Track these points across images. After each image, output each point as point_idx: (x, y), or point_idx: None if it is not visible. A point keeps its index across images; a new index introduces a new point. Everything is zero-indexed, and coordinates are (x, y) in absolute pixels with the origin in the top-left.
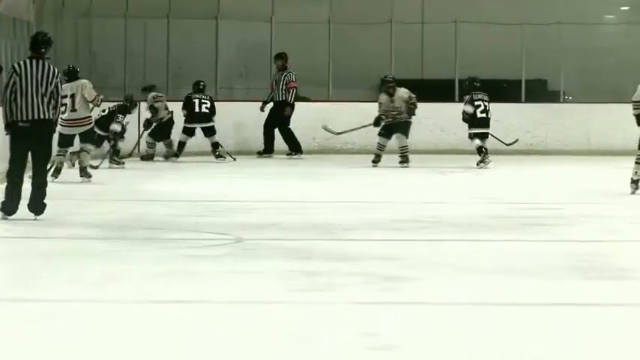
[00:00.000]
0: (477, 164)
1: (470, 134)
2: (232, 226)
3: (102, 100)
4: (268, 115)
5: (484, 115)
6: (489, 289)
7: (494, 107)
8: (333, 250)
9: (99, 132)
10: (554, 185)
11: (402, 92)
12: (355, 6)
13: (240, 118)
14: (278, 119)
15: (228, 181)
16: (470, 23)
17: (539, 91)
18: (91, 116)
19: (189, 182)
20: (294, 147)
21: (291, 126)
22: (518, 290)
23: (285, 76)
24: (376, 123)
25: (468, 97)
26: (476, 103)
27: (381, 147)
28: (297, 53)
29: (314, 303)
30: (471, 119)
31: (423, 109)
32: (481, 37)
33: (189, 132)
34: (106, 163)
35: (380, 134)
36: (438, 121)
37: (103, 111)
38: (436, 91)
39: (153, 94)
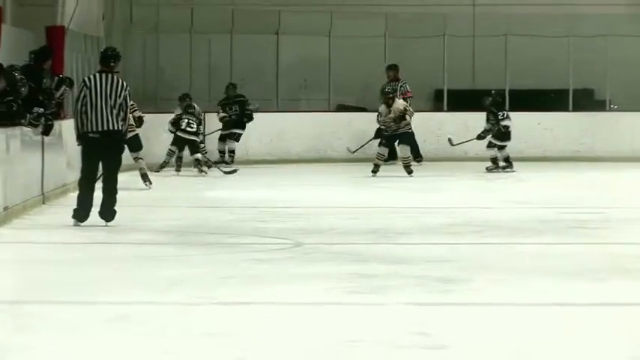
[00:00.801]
0: (490, 170)
1: (495, 144)
2: (292, 230)
3: (139, 114)
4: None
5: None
6: (538, 290)
7: (543, 116)
8: (388, 253)
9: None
10: (600, 190)
11: (399, 104)
12: (409, 20)
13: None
14: None
15: (287, 188)
16: (519, 36)
17: (586, 101)
18: (133, 124)
19: (250, 189)
20: (416, 153)
21: (346, 135)
22: (565, 291)
23: (401, 86)
24: (377, 135)
25: (505, 112)
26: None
27: (381, 156)
28: (353, 66)
29: (371, 304)
30: (504, 133)
31: (474, 117)
32: (530, 49)
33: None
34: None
35: (381, 144)
36: None
37: (192, 118)
38: None
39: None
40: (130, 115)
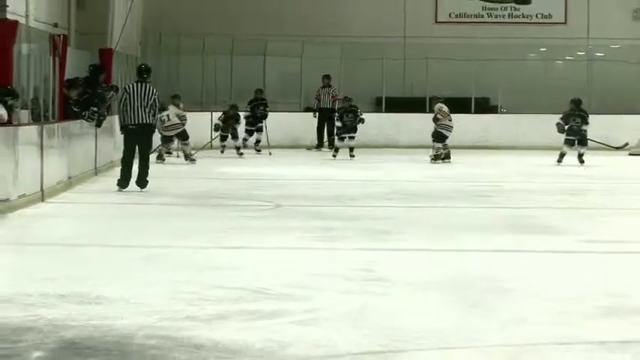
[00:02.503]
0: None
1: (350, 136)
2: (274, 196)
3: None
4: (320, 120)
5: None
6: (452, 240)
7: (461, 117)
8: (343, 213)
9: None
10: (495, 169)
11: (436, 107)
12: (358, 47)
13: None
14: (327, 121)
15: (271, 166)
16: (437, 59)
17: (484, 105)
18: (179, 123)
19: (244, 166)
20: (333, 143)
21: (312, 129)
22: (472, 241)
23: (333, 90)
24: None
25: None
26: None
27: (438, 149)
28: (319, 80)
29: (329, 249)
30: (355, 127)
31: (405, 118)
32: (444, 68)
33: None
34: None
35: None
36: (416, 126)
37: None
38: (414, 105)
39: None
40: (177, 119)
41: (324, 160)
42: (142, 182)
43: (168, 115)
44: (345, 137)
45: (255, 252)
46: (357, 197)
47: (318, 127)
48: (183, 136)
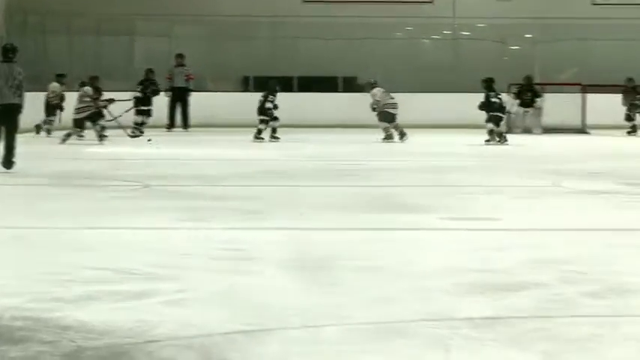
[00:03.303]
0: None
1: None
2: (142, 176)
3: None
4: (172, 100)
5: None
6: (318, 219)
7: (329, 96)
8: (212, 192)
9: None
10: (362, 147)
11: (372, 92)
12: (227, 26)
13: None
14: (179, 101)
15: (139, 146)
16: (305, 38)
17: (352, 84)
18: (92, 105)
19: (116, 146)
20: (187, 123)
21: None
22: (337, 219)
23: (186, 69)
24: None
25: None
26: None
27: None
28: (187, 58)
29: (198, 228)
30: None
31: (298, 97)
32: (312, 47)
33: None
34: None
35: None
36: (284, 105)
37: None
38: (282, 84)
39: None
40: (88, 98)
41: (191, 140)
42: (8, 163)
43: (79, 97)
44: (268, 120)
45: (123, 232)
46: (225, 177)
47: (170, 107)
48: (93, 118)
